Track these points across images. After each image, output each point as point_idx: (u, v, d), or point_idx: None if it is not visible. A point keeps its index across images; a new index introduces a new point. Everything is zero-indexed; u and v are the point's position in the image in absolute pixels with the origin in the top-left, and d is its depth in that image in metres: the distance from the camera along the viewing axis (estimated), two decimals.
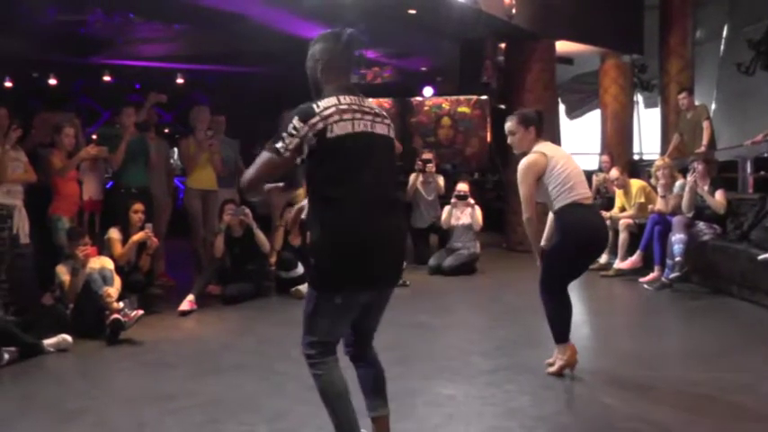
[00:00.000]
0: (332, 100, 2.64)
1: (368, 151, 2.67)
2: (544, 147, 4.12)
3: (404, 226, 2.95)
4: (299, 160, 2.62)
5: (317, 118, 2.58)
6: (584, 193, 4.05)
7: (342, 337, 2.83)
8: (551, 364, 4.17)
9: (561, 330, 4.09)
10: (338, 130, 2.59)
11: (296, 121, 2.58)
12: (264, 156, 2.63)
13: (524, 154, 4.15)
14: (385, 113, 2.82)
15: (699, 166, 6.78)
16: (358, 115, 2.66)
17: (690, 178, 6.83)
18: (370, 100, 2.78)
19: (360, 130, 2.64)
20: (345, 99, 2.67)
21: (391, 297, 2.83)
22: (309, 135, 2.57)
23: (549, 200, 4.08)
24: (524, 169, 4.09)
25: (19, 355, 4.64)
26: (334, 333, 2.76)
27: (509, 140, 4.23)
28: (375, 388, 2.92)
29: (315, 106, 2.62)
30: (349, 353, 2.93)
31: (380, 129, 2.73)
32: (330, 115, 2.59)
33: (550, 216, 4.26)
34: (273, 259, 6.99)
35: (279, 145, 2.59)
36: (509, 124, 4.20)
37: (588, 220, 4.03)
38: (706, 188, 6.70)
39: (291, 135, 2.58)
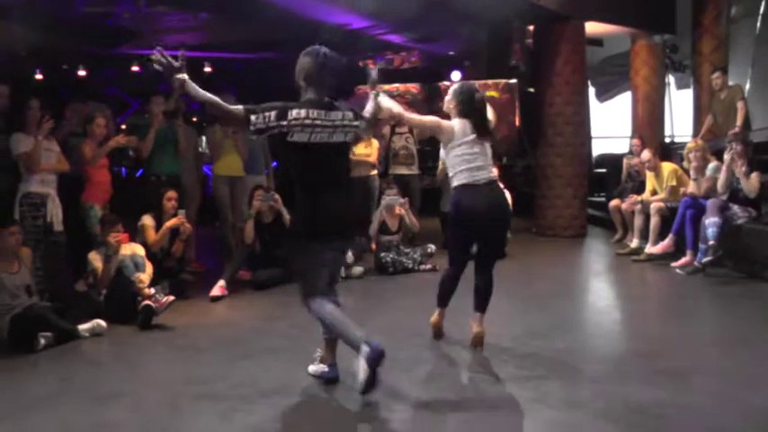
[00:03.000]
0: (302, 112, 3.53)
1: (321, 154, 3.59)
2: (458, 122, 4.36)
3: (352, 200, 3.83)
4: (252, 128, 3.50)
5: (284, 122, 3.49)
6: (470, 176, 4.27)
7: (322, 286, 3.69)
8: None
9: (438, 295, 4.63)
10: (297, 138, 3.52)
11: (273, 114, 3.49)
12: (240, 107, 3.51)
13: None
14: (349, 123, 3.69)
15: (737, 147, 6.64)
16: (318, 129, 3.55)
17: (727, 157, 6.70)
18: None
19: (315, 141, 3.56)
20: (313, 113, 3.55)
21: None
22: (274, 127, 3.49)
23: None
24: (440, 120, 4.42)
25: (55, 340, 4.73)
26: (318, 282, 3.68)
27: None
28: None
29: (290, 112, 3.51)
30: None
31: (337, 138, 3.64)
32: (295, 125, 3.50)
33: None
34: None
35: (253, 113, 3.47)
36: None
37: (467, 198, 4.28)
38: (744, 169, 6.56)
39: (264, 117, 3.48)
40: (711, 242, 6.35)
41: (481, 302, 4.44)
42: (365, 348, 3.34)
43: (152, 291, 5.28)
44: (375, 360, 3.31)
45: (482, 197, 4.27)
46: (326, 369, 3.87)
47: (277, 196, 6.75)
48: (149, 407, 3.62)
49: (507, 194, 7.69)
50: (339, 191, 3.66)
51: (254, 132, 3.55)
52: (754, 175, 6.55)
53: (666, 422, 3.21)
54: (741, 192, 6.61)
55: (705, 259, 6.39)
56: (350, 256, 6.95)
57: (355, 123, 3.73)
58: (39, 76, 12.04)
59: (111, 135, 6.70)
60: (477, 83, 10.30)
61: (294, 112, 3.50)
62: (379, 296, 6.22)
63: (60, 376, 4.18)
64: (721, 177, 6.72)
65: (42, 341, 4.65)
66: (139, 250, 5.69)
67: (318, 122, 3.55)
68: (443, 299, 4.62)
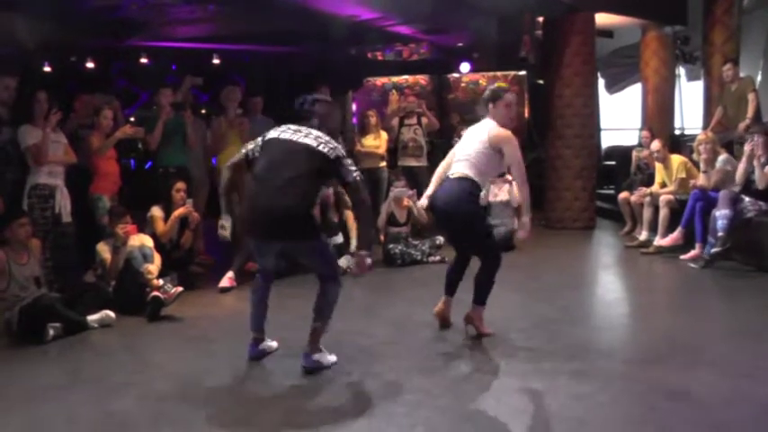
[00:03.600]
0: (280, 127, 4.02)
1: (277, 151, 3.88)
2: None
3: (288, 202, 3.76)
4: (247, 152, 4.05)
5: (265, 135, 4.02)
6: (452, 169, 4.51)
7: (266, 268, 4.18)
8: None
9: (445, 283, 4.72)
10: (268, 135, 3.98)
11: (260, 138, 4.05)
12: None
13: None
14: (321, 137, 3.90)
15: (759, 138, 6.58)
16: (289, 131, 3.94)
17: (747, 147, 6.65)
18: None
19: (281, 137, 3.91)
20: (288, 125, 4.00)
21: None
22: (259, 143, 4.01)
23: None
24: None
25: (64, 331, 4.76)
26: (260, 264, 4.23)
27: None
28: (316, 307, 4.00)
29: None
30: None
31: (306, 140, 3.86)
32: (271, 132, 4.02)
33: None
34: None
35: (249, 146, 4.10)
36: None
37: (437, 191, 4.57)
38: (762, 160, 6.50)
39: (254, 142, 4.07)
40: (720, 233, 6.32)
41: (474, 293, 4.51)
42: (251, 346, 4.18)
43: (161, 282, 5.30)
44: (251, 357, 4.15)
45: (440, 190, 4.52)
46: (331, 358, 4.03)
47: None
48: (158, 397, 3.63)
49: (516, 187, 7.76)
50: (276, 191, 3.76)
51: (250, 153, 4.02)
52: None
53: (673, 415, 3.20)
54: (754, 183, 6.56)
55: (713, 250, 6.36)
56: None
57: (328, 140, 3.90)
58: (47, 69, 12.06)
59: (121, 126, 6.72)
60: (485, 74, 10.34)
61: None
62: (388, 288, 6.22)
63: (69, 367, 4.21)
64: (740, 168, 6.67)
65: (51, 332, 4.68)
66: (148, 241, 5.71)
67: (291, 127, 3.96)
68: (448, 287, 4.71)
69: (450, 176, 4.45)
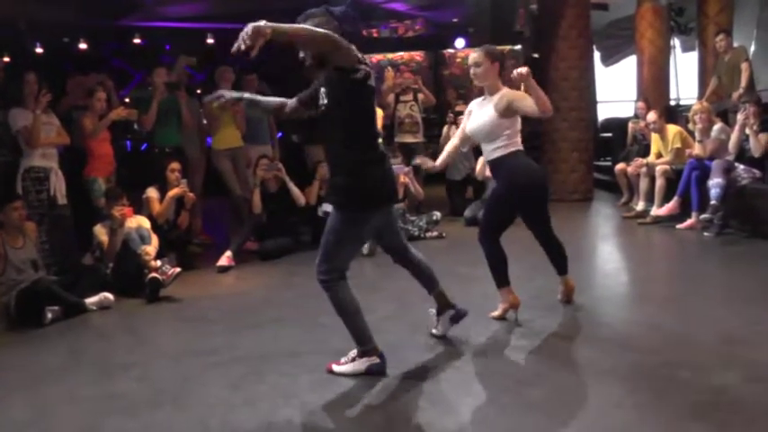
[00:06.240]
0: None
1: None
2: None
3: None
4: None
5: None
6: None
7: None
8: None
9: (500, 276, 4.35)
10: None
11: None
12: None
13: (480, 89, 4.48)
14: None
15: (751, 107, 6.59)
16: None
17: (740, 116, 6.66)
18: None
19: None
20: None
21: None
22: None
23: (497, 140, 4.38)
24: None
25: (63, 314, 4.77)
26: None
27: (471, 72, 4.28)
28: (424, 277, 3.95)
29: None
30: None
31: None
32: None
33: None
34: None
35: None
36: (475, 55, 4.25)
37: (531, 167, 4.46)
38: (755, 128, 6.52)
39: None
40: (713, 202, 6.36)
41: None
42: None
43: (158, 263, 5.31)
44: None
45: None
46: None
47: (281, 165, 6.74)
48: (159, 378, 3.65)
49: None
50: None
51: None
52: (762, 135, 6.51)
53: (672, 381, 3.21)
54: (748, 151, 6.58)
55: (703, 216, 6.43)
56: None
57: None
58: (39, 50, 11.96)
59: (115, 107, 6.69)
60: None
61: None
62: (387, 263, 6.20)
63: (70, 349, 4.22)
64: (733, 137, 6.70)
65: (50, 315, 4.69)
66: (145, 223, 5.71)
67: None
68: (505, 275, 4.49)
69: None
